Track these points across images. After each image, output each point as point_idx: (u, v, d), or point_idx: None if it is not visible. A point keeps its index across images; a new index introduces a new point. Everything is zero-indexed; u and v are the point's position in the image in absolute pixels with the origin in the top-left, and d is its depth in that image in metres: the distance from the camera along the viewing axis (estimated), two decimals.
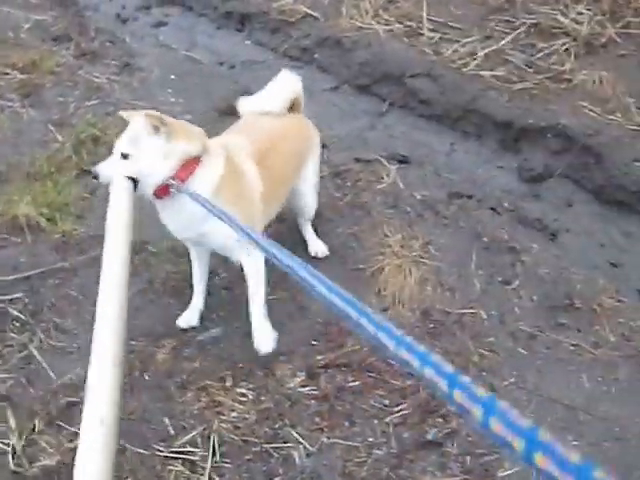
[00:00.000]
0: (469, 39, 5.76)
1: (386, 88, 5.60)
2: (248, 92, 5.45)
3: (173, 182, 3.19)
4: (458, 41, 5.75)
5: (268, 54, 6.20)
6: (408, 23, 5.88)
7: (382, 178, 4.71)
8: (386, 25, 5.90)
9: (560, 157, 4.87)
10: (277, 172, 3.64)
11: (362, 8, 6.02)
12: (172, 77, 5.77)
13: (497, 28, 5.91)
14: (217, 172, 3.31)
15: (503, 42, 5.73)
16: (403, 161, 4.85)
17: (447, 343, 3.69)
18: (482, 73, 5.43)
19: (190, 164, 3.24)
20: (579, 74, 5.25)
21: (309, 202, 4.07)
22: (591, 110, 4.97)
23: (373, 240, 4.24)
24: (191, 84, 5.72)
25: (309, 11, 6.18)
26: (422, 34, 5.82)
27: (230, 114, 5.33)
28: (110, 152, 4.83)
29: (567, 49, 5.46)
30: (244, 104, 3.96)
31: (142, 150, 3.20)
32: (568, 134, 4.84)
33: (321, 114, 5.36)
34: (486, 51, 5.60)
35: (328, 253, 4.14)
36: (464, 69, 5.47)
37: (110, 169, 3.25)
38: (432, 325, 3.78)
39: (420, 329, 3.76)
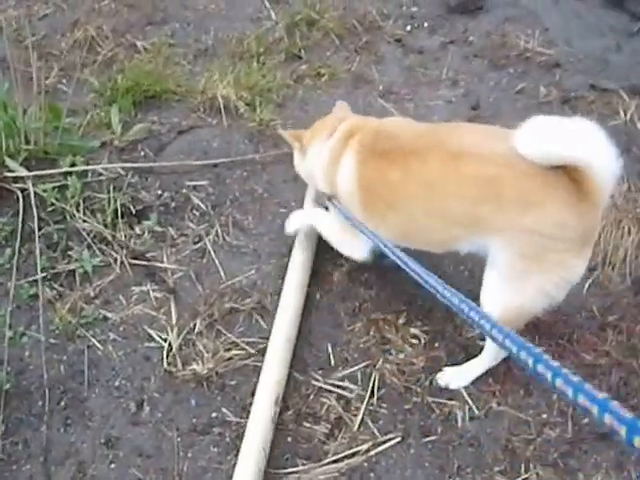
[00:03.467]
0: None
1: None
2: None
3: None
4: None
5: None
6: None
7: (617, 114, 4.09)
8: None
9: None
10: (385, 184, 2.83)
11: None
12: None
13: None
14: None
15: None
16: None
17: None
18: None
19: None
20: None
21: (483, 298, 2.81)
22: None
23: None
24: None
25: None
26: None
27: (460, 12, 4.89)
28: (324, 38, 4.64)
29: None
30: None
31: None
32: None
33: (562, 26, 4.85)
34: None
35: (451, 388, 3.02)
36: None
37: None
38: None
39: (628, 300, 3.29)
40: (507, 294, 2.73)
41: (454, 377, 3.04)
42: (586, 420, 2.90)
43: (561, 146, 2.39)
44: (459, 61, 4.52)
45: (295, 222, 3.40)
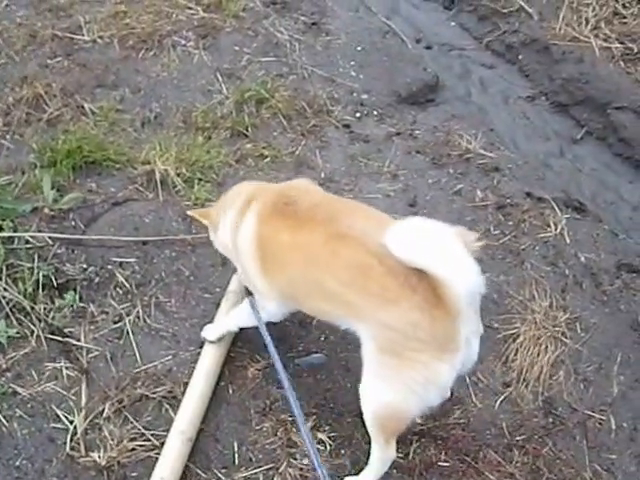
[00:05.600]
0: None
1: (586, 114, 5.03)
2: (436, 84, 5.10)
3: None
4: None
5: (470, 42, 5.66)
6: (629, 44, 5.23)
7: (548, 226, 4.15)
8: (604, 41, 5.26)
9: None
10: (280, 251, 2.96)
11: (582, 16, 5.37)
12: (358, 49, 5.34)
13: None
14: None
15: None
16: (579, 210, 4.27)
17: (561, 446, 3.25)
18: None
19: None
20: None
21: (360, 390, 2.91)
22: None
23: (517, 298, 3.77)
24: (376, 60, 5.28)
25: (524, 5, 5.60)
26: None
27: (410, 103, 4.97)
28: (272, 117, 4.67)
29: None
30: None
31: None
32: None
33: (509, 125, 5.03)
34: None
35: None
36: None
37: None
38: (551, 420, 3.33)
39: (537, 420, 3.33)
40: (377, 388, 2.83)
41: None
42: None
43: (421, 256, 2.52)
44: (402, 155, 4.56)
45: (213, 334, 3.40)
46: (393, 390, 2.77)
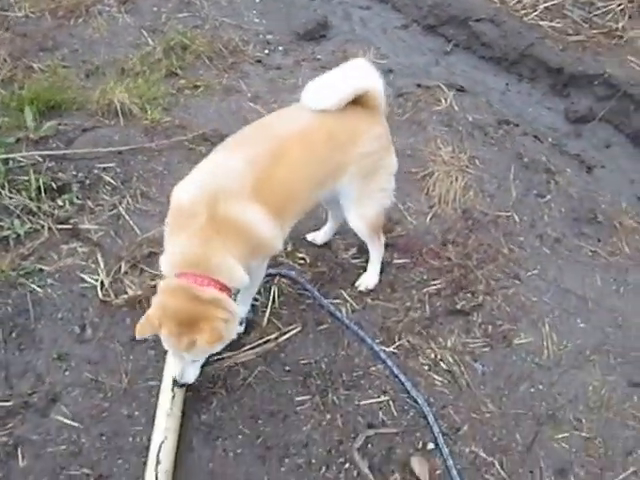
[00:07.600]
0: None
1: (452, 30, 6.07)
2: (325, 23, 6.00)
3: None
4: None
5: None
6: None
7: (440, 101, 5.18)
8: None
9: (603, 103, 5.38)
10: (282, 187, 3.19)
11: None
12: (257, 0, 6.27)
13: None
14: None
15: None
16: (461, 90, 5.34)
17: (482, 236, 4.26)
18: (541, 23, 5.92)
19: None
20: (630, 32, 5.75)
21: (350, 220, 3.65)
22: (637, 64, 5.45)
23: (426, 150, 4.73)
24: (274, 9, 6.20)
25: None
26: None
27: (308, 39, 5.88)
28: (197, 59, 5.47)
29: (623, 9, 5.93)
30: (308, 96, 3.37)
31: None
32: (612, 83, 5.38)
33: (391, 49, 5.93)
34: (547, 4, 6.07)
35: (371, 288, 3.89)
36: (525, 18, 5.94)
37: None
38: (471, 222, 4.32)
39: (460, 224, 4.31)
40: (366, 209, 3.59)
41: (367, 280, 3.89)
42: (439, 303, 3.85)
43: (350, 86, 3.28)
44: (311, 72, 5.33)
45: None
46: (376, 200, 3.57)
